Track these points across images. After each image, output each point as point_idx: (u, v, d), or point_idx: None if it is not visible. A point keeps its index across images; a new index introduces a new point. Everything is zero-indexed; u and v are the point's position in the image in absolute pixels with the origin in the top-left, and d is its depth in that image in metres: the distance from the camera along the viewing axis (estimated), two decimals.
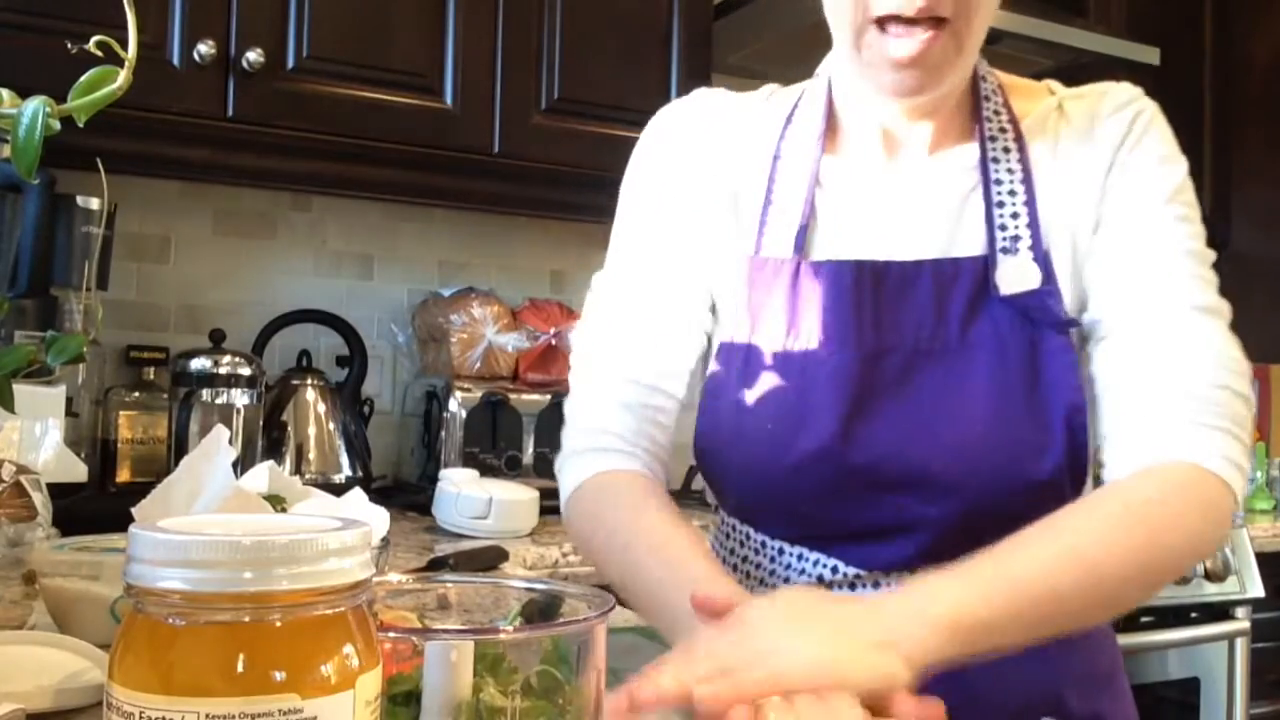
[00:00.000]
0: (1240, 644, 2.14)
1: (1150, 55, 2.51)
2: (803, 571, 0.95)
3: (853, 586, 0.93)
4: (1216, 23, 2.99)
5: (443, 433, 2.01)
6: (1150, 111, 0.95)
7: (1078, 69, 2.54)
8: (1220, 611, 2.15)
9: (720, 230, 1.00)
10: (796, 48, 2.39)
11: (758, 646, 0.72)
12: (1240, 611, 2.16)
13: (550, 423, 2.06)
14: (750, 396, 0.95)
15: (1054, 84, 1.01)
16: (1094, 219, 0.93)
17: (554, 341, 2.10)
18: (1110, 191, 0.93)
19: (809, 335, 0.93)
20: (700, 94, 1.06)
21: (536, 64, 2.00)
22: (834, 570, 0.94)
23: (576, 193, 2.07)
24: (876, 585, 0.93)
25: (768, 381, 0.94)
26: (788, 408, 0.92)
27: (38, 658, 0.76)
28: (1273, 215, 2.92)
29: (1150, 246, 0.90)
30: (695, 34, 2.13)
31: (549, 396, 2.07)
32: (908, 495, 0.89)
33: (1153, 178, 0.92)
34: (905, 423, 0.90)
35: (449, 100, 1.92)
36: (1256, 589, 2.17)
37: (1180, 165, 0.94)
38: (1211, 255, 0.92)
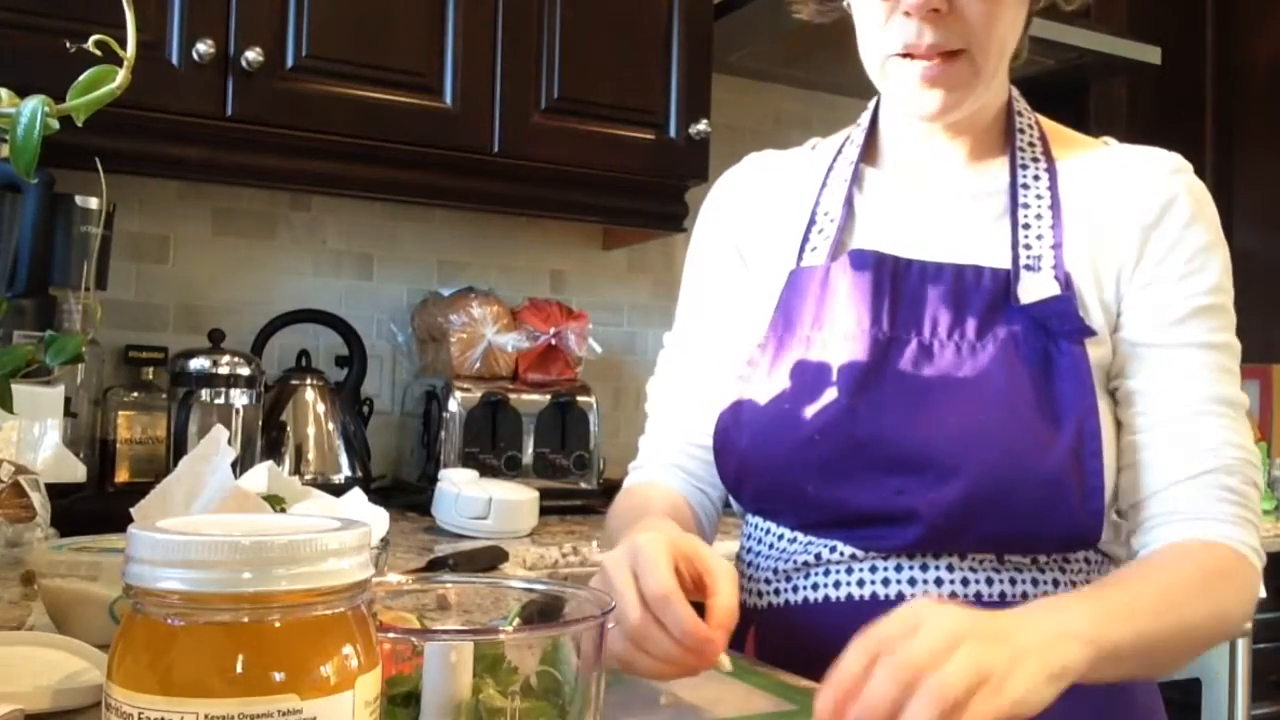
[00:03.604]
0: (1241, 645, 2.13)
1: (1151, 55, 2.50)
2: (804, 551, 0.98)
3: (849, 570, 0.96)
4: (1218, 22, 2.99)
5: (442, 433, 2.01)
6: (1197, 193, 0.98)
7: (1078, 68, 2.55)
8: None
9: (762, 290, 1.07)
10: (796, 48, 2.39)
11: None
12: None
13: (549, 423, 2.06)
14: (772, 384, 0.99)
15: (1112, 140, 1.05)
16: (1122, 270, 0.96)
17: (553, 341, 2.10)
18: (1147, 267, 0.96)
19: (831, 323, 0.98)
20: (750, 160, 1.16)
21: (536, 64, 2.00)
22: (832, 549, 0.97)
23: (576, 193, 2.07)
24: (874, 569, 0.95)
25: (790, 368, 0.99)
26: (804, 388, 0.96)
27: (36, 658, 0.75)
28: (1273, 215, 2.91)
29: (1176, 340, 0.94)
30: (695, 34, 2.13)
31: (548, 396, 2.07)
32: (909, 476, 0.91)
33: (1190, 269, 0.95)
34: (911, 406, 0.92)
35: (449, 100, 1.92)
36: None
37: (1220, 252, 0.97)
38: (1237, 347, 0.96)
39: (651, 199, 2.15)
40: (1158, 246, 0.95)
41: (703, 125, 2.11)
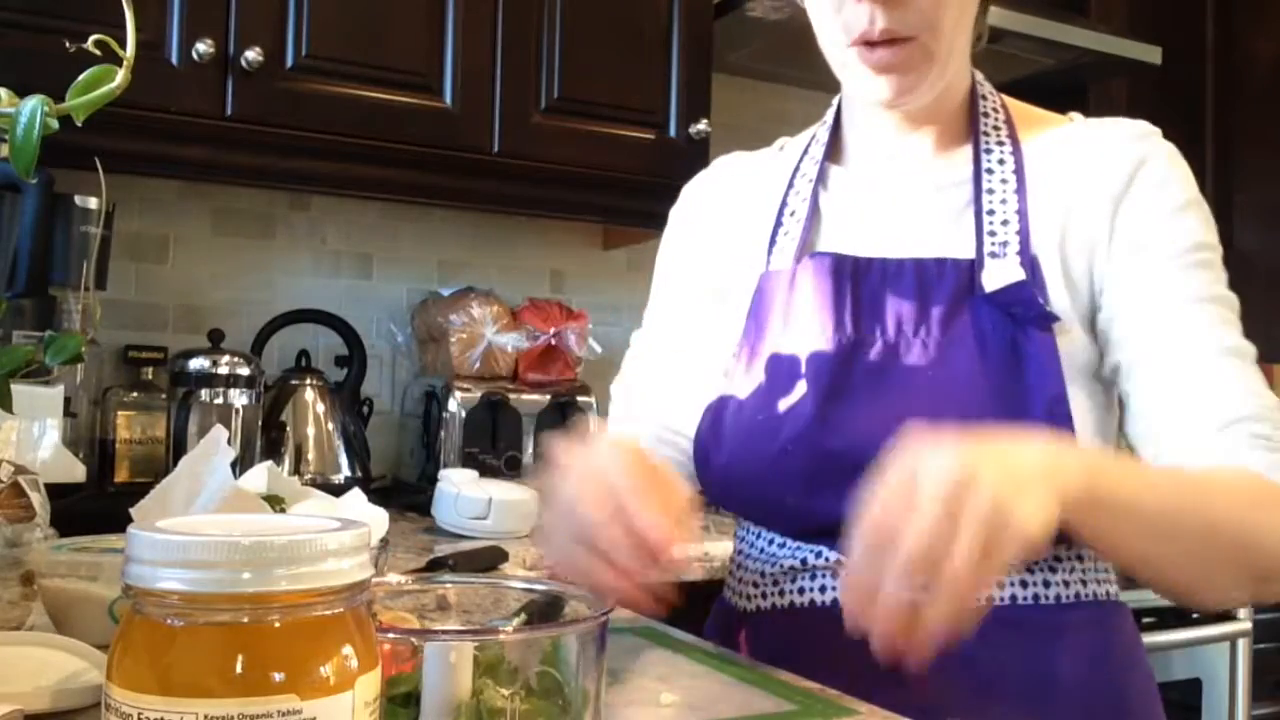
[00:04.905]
0: (1242, 645, 2.13)
1: (1151, 54, 2.50)
2: (791, 556, 0.98)
3: (834, 574, 0.95)
4: (1218, 21, 2.99)
5: (442, 433, 2.01)
6: (1166, 154, 0.95)
7: (1078, 68, 2.54)
8: (1222, 612, 2.15)
9: (733, 292, 1.06)
10: (796, 47, 2.39)
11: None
12: (1242, 612, 2.15)
13: (550, 423, 2.06)
14: (745, 394, 0.98)
15: (1077, 115, 1.03)
16: (1095, 247, 0.94)
17: (553, 341, 2.10)
18: (1124, 236, 0.93)
19: (798, 329, 0.97)
20: (718, 164, 1.16)
21: (536, 64, 2.00)
22: (818, 555, 0.96)
23: (576, 193, 2.07)
24: None
25: (761, 378, 0.98)
26: (775, 397, 0.95)
27: (36, 658, 0.75)
28: (1274, 215, 2.91)
29: (1172, 298, 0.90)
30: (695, 34, 2.13)
31: (548, 396, 2.07)
32: None
33: (1171, 228, 0.92)
34: (882, 409, 0.90)
35: (449, 100, 1.92)
36: None
37: (1199, 210, 0.93)
38: (1235, 300, 0.92)
39: (652, 199, 2.14)
40: (1130, 214, 0.93)
41: (703, 125, 2.11)
